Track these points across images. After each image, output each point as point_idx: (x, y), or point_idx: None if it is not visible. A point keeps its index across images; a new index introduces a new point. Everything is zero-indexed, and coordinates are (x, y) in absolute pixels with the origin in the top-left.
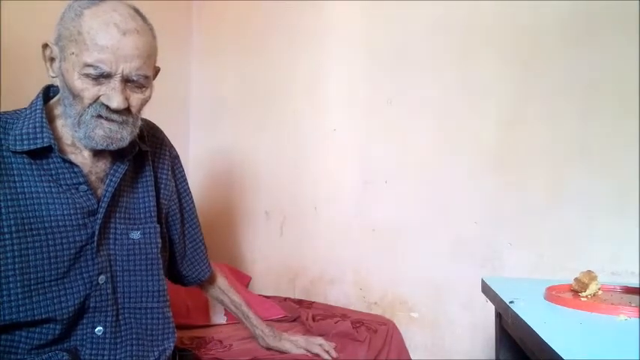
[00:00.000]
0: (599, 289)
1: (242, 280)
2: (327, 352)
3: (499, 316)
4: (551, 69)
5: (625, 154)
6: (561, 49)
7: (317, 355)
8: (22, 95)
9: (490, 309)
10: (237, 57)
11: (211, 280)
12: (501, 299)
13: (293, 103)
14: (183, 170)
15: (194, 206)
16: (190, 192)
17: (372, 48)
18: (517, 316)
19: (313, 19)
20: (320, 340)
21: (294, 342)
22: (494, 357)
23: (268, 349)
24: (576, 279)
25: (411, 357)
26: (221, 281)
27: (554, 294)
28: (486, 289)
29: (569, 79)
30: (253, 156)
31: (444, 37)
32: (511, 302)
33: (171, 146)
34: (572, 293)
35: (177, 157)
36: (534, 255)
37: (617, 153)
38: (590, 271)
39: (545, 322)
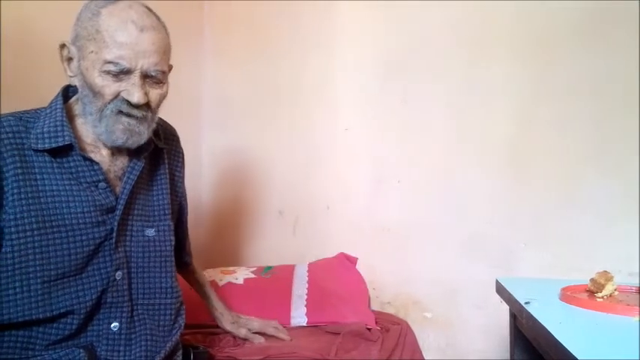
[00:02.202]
0: (615, 289)
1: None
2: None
3: (514, 317)
4: (564, 69)
5: (639, 154)
6: (574, 50)
7: (273, 336)
8: (22, 95)
9: (504, 309)
10: (249, 56)
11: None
12: (516, 300)
13: (305, 103)
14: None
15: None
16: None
17: (385, 47)
18: (532, 316)
19: (325, 18)
20: (274, 322)
21: (250, 327)
22: (508, 358)
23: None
24: (592, 279)
25: (425, 357)
26: (192, 264)
27: (569, 294)
28: (501, 290)
29: (583, 80)
30: (266, 155)
31: (457, 37)
32: (527, 303)
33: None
34: (587, 294)
35: (183, 153)
36: (549, 255)
37: (631, 153)
38: (606, 271)
39: (561, 323)
